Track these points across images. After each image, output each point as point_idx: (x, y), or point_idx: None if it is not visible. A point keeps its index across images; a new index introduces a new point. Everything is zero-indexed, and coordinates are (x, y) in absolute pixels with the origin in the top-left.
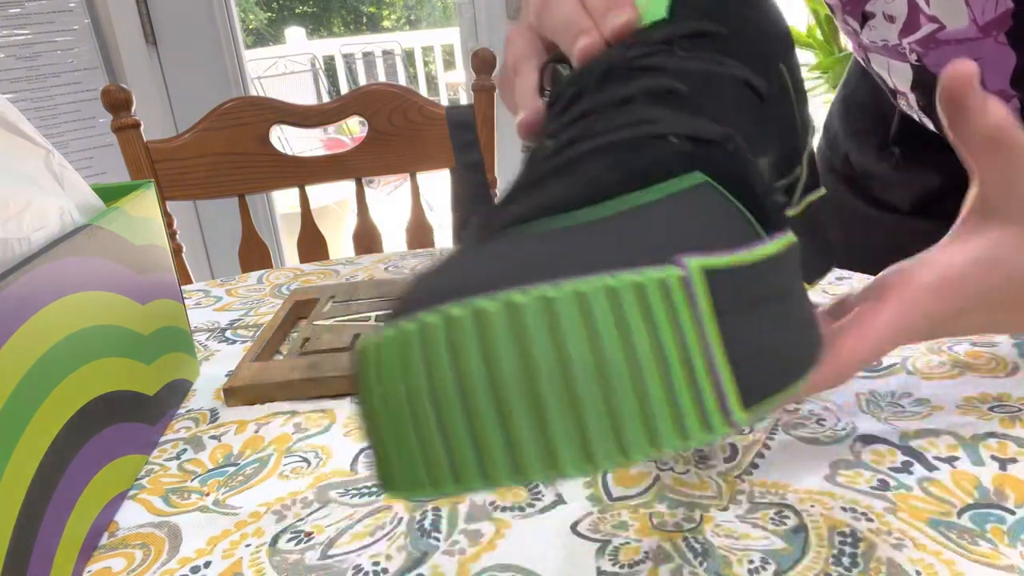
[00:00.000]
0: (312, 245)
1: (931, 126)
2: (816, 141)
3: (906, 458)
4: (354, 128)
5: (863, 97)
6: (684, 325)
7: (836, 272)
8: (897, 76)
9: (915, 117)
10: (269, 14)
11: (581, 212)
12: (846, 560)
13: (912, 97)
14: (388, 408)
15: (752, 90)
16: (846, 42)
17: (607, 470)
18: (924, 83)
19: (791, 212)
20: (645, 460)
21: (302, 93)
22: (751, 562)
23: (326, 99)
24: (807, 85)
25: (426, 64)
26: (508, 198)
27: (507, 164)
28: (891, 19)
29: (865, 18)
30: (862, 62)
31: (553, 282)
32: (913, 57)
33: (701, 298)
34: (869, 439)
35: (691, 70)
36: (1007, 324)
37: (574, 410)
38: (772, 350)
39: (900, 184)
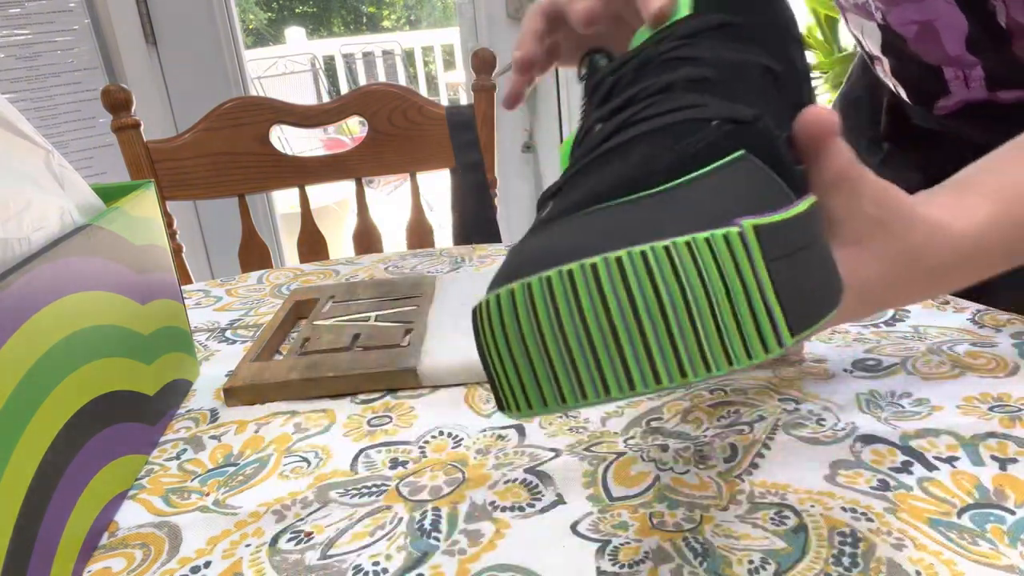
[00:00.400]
0: (312, 245)
1: (903, 94)
2: None
3: (906, 458)
4: (354, 128)
5: (860, 92)
6: (744, 269)
7: None
8: (870, 37)
9: (891, 86)
10: (269, 14)
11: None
12: (846, 560)
13: (886, 63)
14: (537, 339)
15: (771, 73)
16: (846, 41)
17: (698, 380)
18: (893, 46)
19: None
20: (725, 373)
21: (302, 93)
22: (751, 562)
23: (326, 99)
24: None
25: (426, 64)
26: (576, 176)
27: (507, 164)
28: None
29: None
30: (843, 23)
31: (649, 241)
32: (879, 16)
33: (754, 249)
34: (869, 439)
35: (719, 58)
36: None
37: (670, 334)
38: (809, 287)
39: (886, 179)
